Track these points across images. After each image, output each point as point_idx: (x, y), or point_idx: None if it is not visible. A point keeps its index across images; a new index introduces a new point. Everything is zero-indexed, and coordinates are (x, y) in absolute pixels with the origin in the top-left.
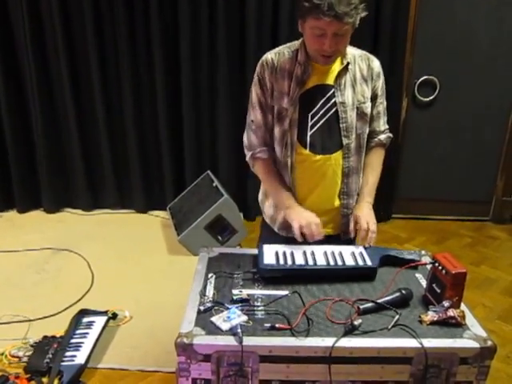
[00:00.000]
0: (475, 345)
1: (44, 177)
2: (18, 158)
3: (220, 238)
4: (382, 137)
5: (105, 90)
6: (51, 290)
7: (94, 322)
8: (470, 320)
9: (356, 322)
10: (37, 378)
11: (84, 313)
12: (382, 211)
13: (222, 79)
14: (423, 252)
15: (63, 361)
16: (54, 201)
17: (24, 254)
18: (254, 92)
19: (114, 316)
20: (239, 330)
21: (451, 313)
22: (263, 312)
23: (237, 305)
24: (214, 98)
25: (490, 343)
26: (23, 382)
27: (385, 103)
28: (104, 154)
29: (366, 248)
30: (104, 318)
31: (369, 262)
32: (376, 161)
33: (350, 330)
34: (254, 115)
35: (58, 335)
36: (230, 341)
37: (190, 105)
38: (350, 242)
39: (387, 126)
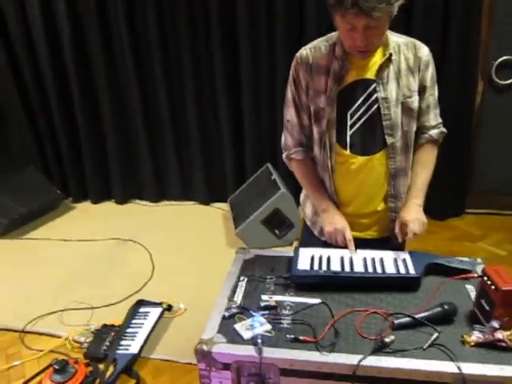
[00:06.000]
0: None
1: (115, 170)
2: (92, 153)
3: (277, 232)
4: (434, 132)
5: (169, 89)
6: (114, 280)
7: (149, 312)
8: None
9: (387, 339)
10: (94, 364)
11: (141, 303)
12: (454, 206)
13: (281, 73)
14: (479, 260)
15: (118, 349)
16: (123, 192)
17: (93, 244)
18: (289, 90)
19: (169, 308)
20: (259, 341)
21: (499, 335)
22: (289, 321)
23: (262, 312)
24: (274, 92)
25: None
26: (81, 367)
27: (436, 94)
28: (169, 148)
29: (411, 254)
30: (159, 310)
31: (412, 271)
32: (427, 158)
33: (380, 348)
34: (289, 114)
35: (116, 324)
36: (250, 351)
37: (250, 99)
38: (401, 246)
39: (440, 120)
